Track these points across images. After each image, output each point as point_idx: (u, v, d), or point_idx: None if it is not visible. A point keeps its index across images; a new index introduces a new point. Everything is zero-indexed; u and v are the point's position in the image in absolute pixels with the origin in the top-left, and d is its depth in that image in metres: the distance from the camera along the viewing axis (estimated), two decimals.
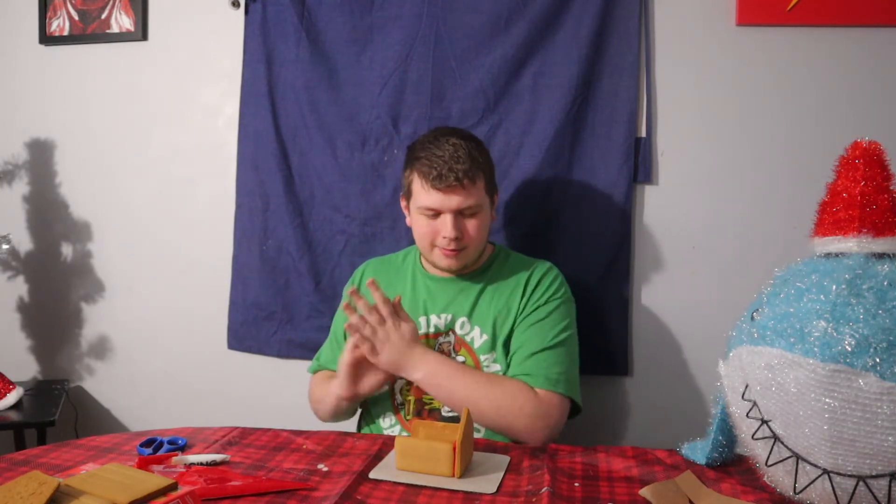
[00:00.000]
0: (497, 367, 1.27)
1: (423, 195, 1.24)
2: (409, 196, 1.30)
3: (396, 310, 1.20)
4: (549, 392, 1.18)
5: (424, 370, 1.18)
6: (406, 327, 1.19)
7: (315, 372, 1.40)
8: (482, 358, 1.27)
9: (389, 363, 1.18)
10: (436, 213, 1.24)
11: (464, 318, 1.31)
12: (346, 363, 1.19)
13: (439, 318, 1.32)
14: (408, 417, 1.26)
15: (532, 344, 1.23)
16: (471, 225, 1.25)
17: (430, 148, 1.23)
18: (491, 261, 1.36)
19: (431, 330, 1.31)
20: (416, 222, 1.28)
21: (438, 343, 1.31)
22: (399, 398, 1.29)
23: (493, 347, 1.27)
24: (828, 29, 1.50)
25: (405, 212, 1.35)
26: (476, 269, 1.34)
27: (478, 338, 1.29)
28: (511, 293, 1.30)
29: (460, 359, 1.28)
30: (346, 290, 1.37)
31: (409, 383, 1.27)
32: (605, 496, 0.90)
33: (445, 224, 1.23)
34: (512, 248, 1.44)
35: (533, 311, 1.27)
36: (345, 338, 1.33)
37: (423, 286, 1.36)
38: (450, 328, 1.31)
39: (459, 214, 1.24)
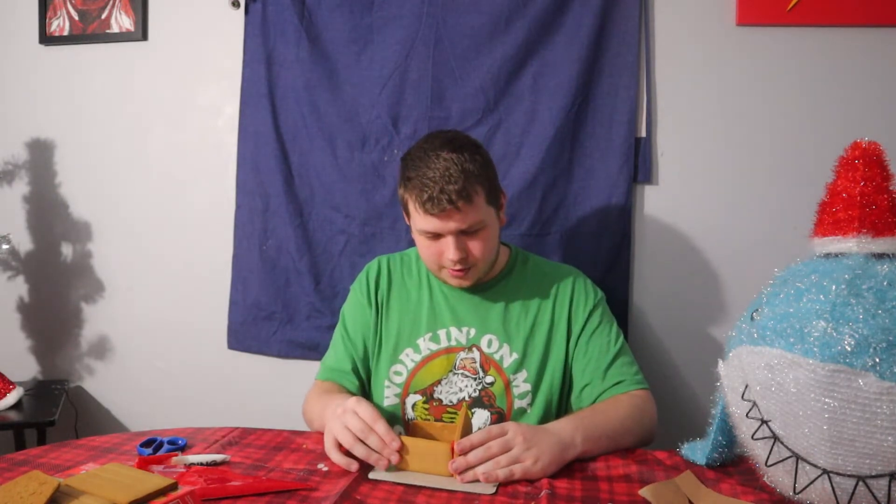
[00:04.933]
0: (527, 388, 1.23)
1: (420, 219, 1.16)
2: (407, 214, 1.22)
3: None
4: (644, 390, 1.19)
5: (580, 438, 1.02)
6: (520, 427, 0.99)
7: (320, 379, 1.30)
8: (511, 377, 1.23)
9: (551, 462, 0.97)
10: (436, 235, 1.17)
11: (491, 336, 1.25)
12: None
13: (460, 331, 1.26)
14: None
15: (604, 354, 1.21)
16: (475, 244, 1.17)
17: (420, 167, 1.14)
18: (510, 267, 1.30)
19: (453, 344, 1.26)
20: (419, 243, 1.22)
21: (459, 358, 1.25)
22: (411, 414, 1.26)
23: (522, 366, 1.23)
24: (828, 29, 1.50)
25: (408, 223, 1.26)
26: (495, 276, 1.28)
27: (507, 356, 1.24)
28: (540, 307, 1.26)
29: (489, 379, 1.23)
30: (356, 285, 1.35)
31: (427, 402, 1.24)
32: (605, 496, 0.90)
33: (448, 246, 1.16)
34: None
35: (584, 323, 1.24)
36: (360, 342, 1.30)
37: (440, 295, 1.29)
38: (473, 343, 1.25)
39: (461, 234, 1.16)
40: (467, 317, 1.27)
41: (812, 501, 0.79)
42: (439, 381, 1.25)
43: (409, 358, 1.27)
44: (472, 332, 1.26)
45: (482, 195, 1.16)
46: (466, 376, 1.24)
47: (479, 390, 1.24)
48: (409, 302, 1.30)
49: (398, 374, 1.27)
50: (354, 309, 1.33)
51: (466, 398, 1.23)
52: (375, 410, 1.00)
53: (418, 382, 1.26)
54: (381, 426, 0.98)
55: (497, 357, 1.25)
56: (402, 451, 0.97)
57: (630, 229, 1.59)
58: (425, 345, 1.27)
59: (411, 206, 1.17)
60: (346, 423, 0.99)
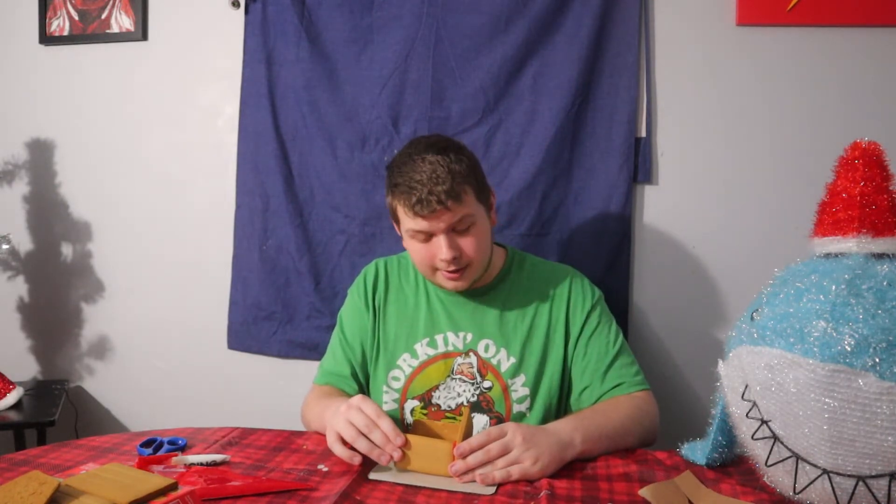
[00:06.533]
0: (526, 392, 1.22)
1: (409, 221, 1.15)
2: (396, 220, 1.21)
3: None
4: (645, 391, 1.19)
5: (579, 438, 1.02)
6: (519, 428, 0.99)
7: (318, 383, 1.30)
8: (509, 382, 1.22)
9: (550, 462, 0.97)
10: (427, 236, 1.16)
11: (488, 340, 1.24)
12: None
13: (457, 336, 1.25)
14: None
15: (603, 356, 1.20)
16: (467, 242, 1.15)
17: (406, 172, 1.13)
18: (507, 270, 1.29)
19: (450, 349, 1.25)
20: (411, 247, 1.20)
21: (457, 364, 1.24)
22: (410, 419, 1.25)
23: (520, 370, 1.23)
24: (828, 29, 1.50)
25: (399, 233, 1.26)
26: (491, 280, 1.27)
27: (504, 361, 1.23)
28: (538, 309, 1.25)
29: (487, 384, 1.23)
30: (354, 288, 1.35)
31: (425, 407, 1.24)
32: (605, 496, 0.90)
33: (440, 246, 1.14)
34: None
35: (583, 325, 1.23)
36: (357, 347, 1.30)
37: (437, 300, 1.28)
38: (470, 349, 1.24)
39: (452, 232, 1.15)
40: (464, 321, 1.26)
41: (812, 501, 0.79)
42: (437, 387, 1.24)
43: (407, 363, 1.27)
44: (469, 336, 1.25)
45: (471, 194, 1.16)
46: (464, 381, 1.24)
47: (478, 395, 1.23)
48: (406, 306, 1.30)
49: (396, 379, 1.26)
50: (352, 313, 1.32)
51: (465, 403, 1.23)
52: (380, 408, 1.01)
53: (416, 388, 1.25)
54: (385, 422, 0.98)
55: (494, 362, 1.24)
56: (404, 448, 0.96)
57: (630, 229, 1.59)
58: (423, 350, 1.26)
59: (400, 211, 1.17)
60: (349, 419, 0.99)
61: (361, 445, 0.97)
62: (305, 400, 1.27)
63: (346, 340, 1.31)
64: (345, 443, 0.99)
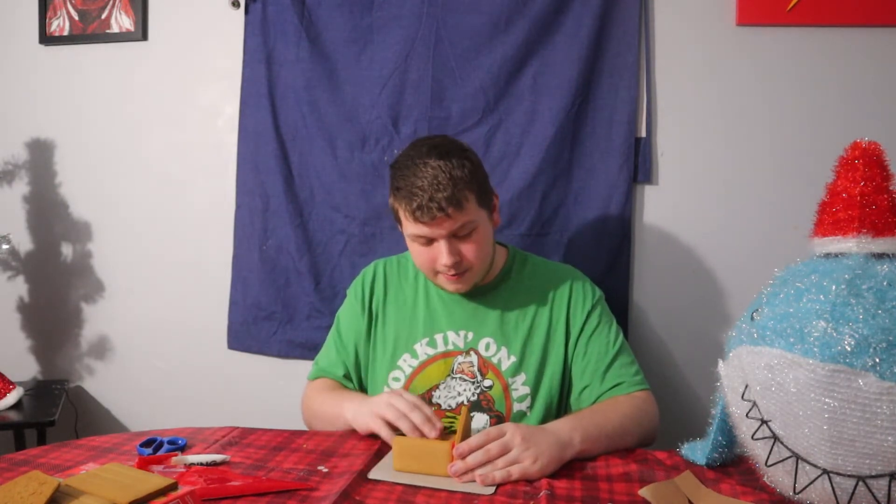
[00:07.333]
0: (526, 390, 1.22)
1: (411, 226, 1.15)
2: (398, 221, 1.21)
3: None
4: (644, 391, 1.19)
5: (578, 438, 1.02)
6: (518, 428, 0.99)
7: (315, 378, 1.32)
8: (510, 381, 1.22)
9: (550, 462, 0.96)
10: (428, 240, 1.16)
11: (489, 339, 1.25)
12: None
13: (458, 335, 1.26)
14: None
15: (603, 356, 1.21)
16: (468, 248, 1.16)
17: (408, 176, 1.13)
18: (508, 269, 1.30)
19: (450, 348, 1.25)
20: (412, 249, 1.21)
21: (457, 363, 1.25)
22: None
23: (520, 369, 1.23)
24: (828, 29, 1.50)
25: (400, 230, 1.25)
26: (492, 279, 1.28)
27: (505, 359, 1.24)
28: (538, 308, 1.26)
29: (487, 382, 1.23)
30: (351, 290, 1.36)
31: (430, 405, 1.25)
32: (605, 496, 0.90)
33: (440, 251, 1.15)
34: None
35: (583, 324, 1.24)
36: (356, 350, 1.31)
37: (437, 299, 1.29)
38: (471, 347, 1.25)
39: (453, 237, 1.15)
40: (464, 320, 1.26)
41: (812, 501, 0.79)
42: (437, 386, 1.25)
43: (407, 363, 1.27)
44: (470, 335, 1.26)
45: (472, 200, 1.15)
46: (465, 380, 1.24)
47: (478, 394, 1.23)
48: (405, 307, 1.30)
49: (396, 379, 1.27)
50: (349, 315, 1.33)
51: (465, 402, 1.23)
52: (420, 398, 1.05)
53: (416, 387, 1.25)
54: (426, 408, 1.02)
55: (495, 360, 1.24)
56: (401, 450, 0.97)
57: (630, 229, 1.59)
58: (422, 349, 1.26)
59: (402, 214, 1.17)
60: (391, 402, 1.04)
61: (404, 425, 1.00)
62: (307, 395, 1.28)
63: (341, 341, 1.32)
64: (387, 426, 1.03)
